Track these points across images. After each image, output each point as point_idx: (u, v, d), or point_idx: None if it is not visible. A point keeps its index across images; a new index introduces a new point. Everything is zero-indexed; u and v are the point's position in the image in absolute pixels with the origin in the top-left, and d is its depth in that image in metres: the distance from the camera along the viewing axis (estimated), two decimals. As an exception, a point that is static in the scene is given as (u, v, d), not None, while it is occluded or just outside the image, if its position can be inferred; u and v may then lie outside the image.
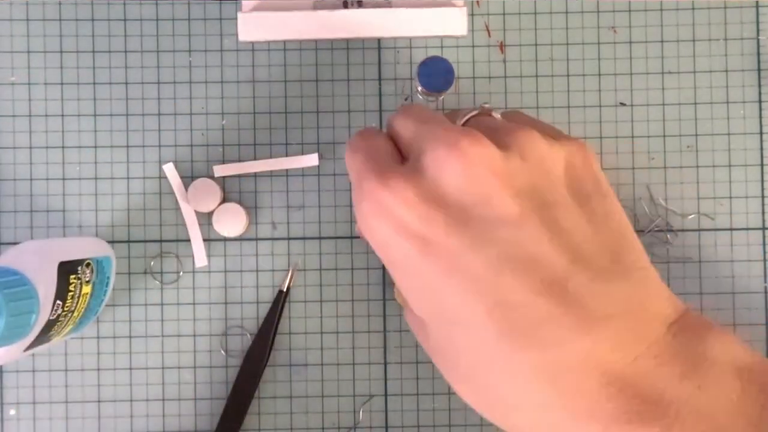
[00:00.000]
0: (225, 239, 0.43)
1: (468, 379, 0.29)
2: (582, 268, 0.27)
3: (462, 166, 0.28)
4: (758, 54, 0.43)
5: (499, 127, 0.31)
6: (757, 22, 0.43)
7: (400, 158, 0.31)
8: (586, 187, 0.30)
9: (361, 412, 0.42)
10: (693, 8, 0.43)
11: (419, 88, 0.40)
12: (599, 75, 0.43)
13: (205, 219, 0.43)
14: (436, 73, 0.39)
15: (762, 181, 0.43)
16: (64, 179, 0.43)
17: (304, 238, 0.43)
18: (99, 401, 0.42)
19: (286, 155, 0.43)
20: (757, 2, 0.43)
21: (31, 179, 0.43)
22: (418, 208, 0.28)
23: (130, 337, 0.43)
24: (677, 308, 0.29)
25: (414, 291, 0.30)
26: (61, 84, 0.43)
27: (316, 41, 0.43)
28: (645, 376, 0.26)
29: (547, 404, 0.27)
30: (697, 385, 0.26)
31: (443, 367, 0.31)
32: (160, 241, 0.43)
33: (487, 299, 0.27)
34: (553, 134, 0.32)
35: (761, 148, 0.43)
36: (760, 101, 0.43)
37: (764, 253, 0.43)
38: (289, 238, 0.43)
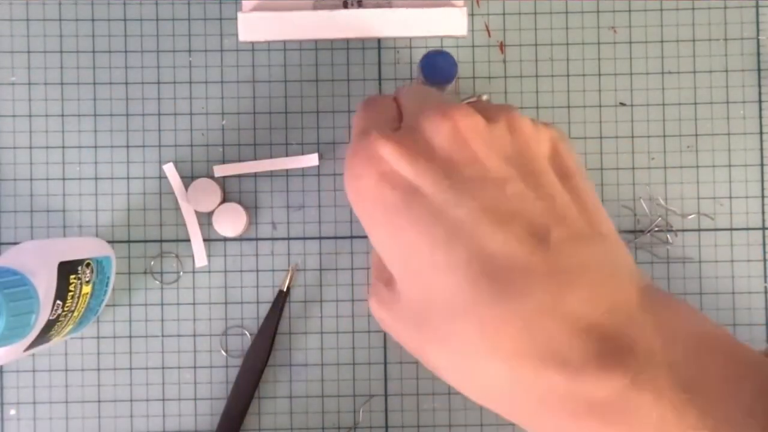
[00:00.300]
0: (225, 239, 0.43)
1: (439, 337, 0.28)
2: (562, 227, 0.28)
3: (454, 131, 0.30)
4: (758, 54, 0.43)
5: (490, 107, 0.32)
6: (757, 22, 0.43)
7: (399, 124, 0.33)
8: (568, 166, 0.31)
9: (361, 412, 0.42)
10: (693, 8, 0.43)
11: (421, 80, 0.40)
12: (599, 75, 0.43)
13: (205, 219, 0.43)
14: (439, 65, 0.39)
15: (762, 181, 0.43)
16: (64, 179, 0.43)
17: (304, 238, 0.43)
18: (99, 401, 0.42)
19: (286, 155, 0.43)
20: (757, 2, 0.43)
21: (31, 179, 0.43)
22: (409, 158, 0.29)
23: (130, 337, 0.43)
24: (644, 277, 0.30)
25: (390, 243, 0.30)
26: (61, 84, 0.43)
27: (316, 41, 0.43)
28: (617, 326, 0.26)
29: (518, 352, 0.27)
30: (668, 339, 0.26)
31: (412, 329, 0.30)
32: (160, 241, 0.43)
33: (469, 247, 0.27)
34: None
35: (761, 148, 0.43)
36: (760, 101, 0.43)
37: (764, 253, 0.43)
38: (289, 238, 0.43)
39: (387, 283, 0.31)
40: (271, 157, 0.43)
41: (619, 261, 0.29)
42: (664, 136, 0.43)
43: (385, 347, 0.43)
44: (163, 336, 0.43)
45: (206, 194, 0.42)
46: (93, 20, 0.43)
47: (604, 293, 0.27)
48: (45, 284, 0.34)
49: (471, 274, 0.27)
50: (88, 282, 0.38)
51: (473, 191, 0.28)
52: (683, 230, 0.43)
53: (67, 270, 0.36)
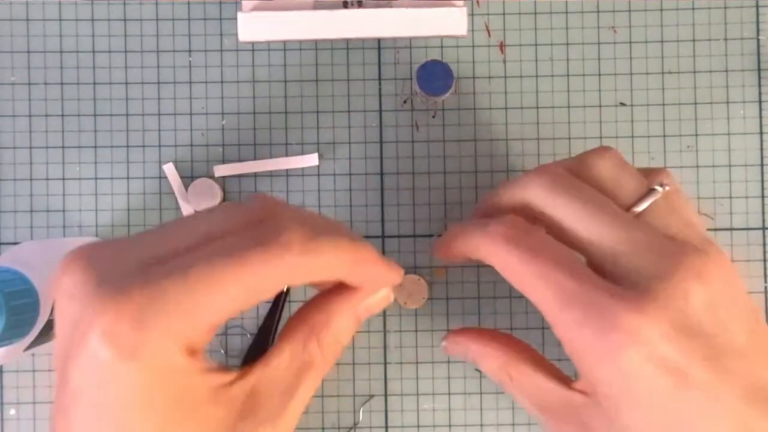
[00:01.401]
0: (225, 239, 0.43)
1: None
2: None
3: (707, 294, 0.28)
4: (758, 54, 0.43)
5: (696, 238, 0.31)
6: (757, 22, 0.43)
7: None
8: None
9: (361, 412, 0.42)
10: (693, 8, 0.43)
11: (418, 91, 0.40)
12: (599, 75, 0.43)
13: (205, 219, 0.43)
14: (435, 76, 0.39)
15: (762, 181, 0.43)
16: (64, 179, 0.43)
17: (304, 238, 0.43)
18: (99, 401, 0.42)
19: (286, 155, 0.43)
20: (757, 2, 0.43)
21: (31, 179, 0.43)
22: (676, 339, 0.28)
23: (130, 337, 0.43)
24: None
25: (652, 423, 0.29)
26: (61, 84, 0.43)
27: (316, 41, 0.43)
28: None
29: None
30: None
31: None
32: (160, 241, 0.43)
33: (738, 428, 0.28)
34: None
35: (761, 148, 0.43)
36: (760, 101, 0.43)
37: (764, 253, 0.43)
38: (289, 238, 0.43)
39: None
40: (271, 157, 0.43)
41: None
42: (664, 136, 0.43)
43: (385, 347, 0.43)
44: (163, 336, 0.43)
45: (206, 194, 0.42)
46: (93, 20, 0.43)
47: None
48: (45, 284, 0.34)
49: None
50: (88, 282, 0.38)
51: (731, 367, 0.28)
52: (683, 230, 0.43)
53: (67, 270, 0.36)
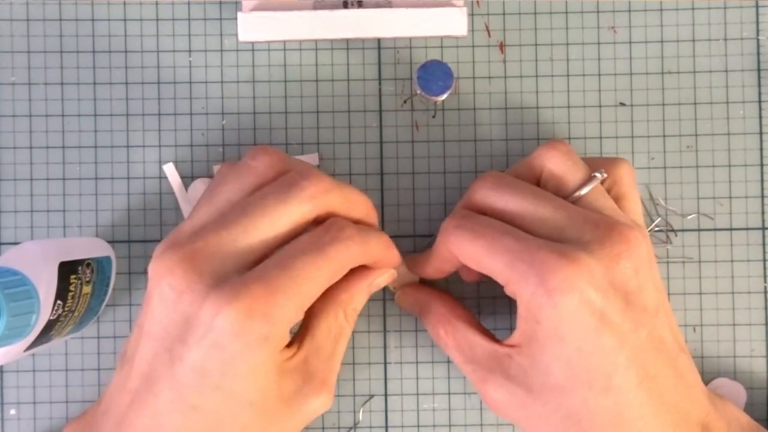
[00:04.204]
0: (225, 239, 0.43)
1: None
2: (680, 350, 0.36)
3: (632, 259, 0.34)
4: (758, 54, 0.43)
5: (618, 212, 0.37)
6: (757, 22, 0.43)
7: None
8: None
9: (361, 412, 0.42)
10: (693, 8, 0.43)
11: (418, 92, 0.40)
12: (599, 75, 0.43)
13: (205, 219, 0.43)
14: (435, 76, 0.39)
15: (762, 181, 0.43)
16: (64, 179, 0.43)
17: (304, 238, 0.43)
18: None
19: (286, 155, 0.43)
20: (757, 2, 0.43)
21: (31, 179, 0.43)
22: (602, 287, 0.33)
23: (130, 337, 0.43)
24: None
25: (570, 363, 0.33)
26: (61, 84, 0.43)
27: (316, 41, 0.43)
28: (710, 420, 0.36)
29: None
30: (729, 424, 0.37)
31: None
32: (160, 241, 0.43)
33: (639, 371, 0.33)
34: None
35: (761, 148, 0.43)
36: (760, 101, 0.43)
37: (764, 253, 0.43)
38: (289, 238, 0.43)
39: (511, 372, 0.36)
40: (271, 157, 0.43)
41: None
42: (664, 136, 0.43)
43: (385, 347, 0.43)
44: (163, 336, 0.43)
45: (206, 194, 0.42)
46: (93, 20, 0.43)
47: (704, 399, 0.36)
48: (45, 284, 0.34)
49: (640, 395, 0.34)
50: (88, 282, 0.38)
51: (643, 320, 0.34)
52: (683, 230, 0.43)
53: (67, 270, 0.36)
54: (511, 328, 0.42)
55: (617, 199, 0.37)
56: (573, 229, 0.34)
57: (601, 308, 0.33)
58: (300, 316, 0.34)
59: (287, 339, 0.35)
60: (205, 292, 0.32)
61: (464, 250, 0.35)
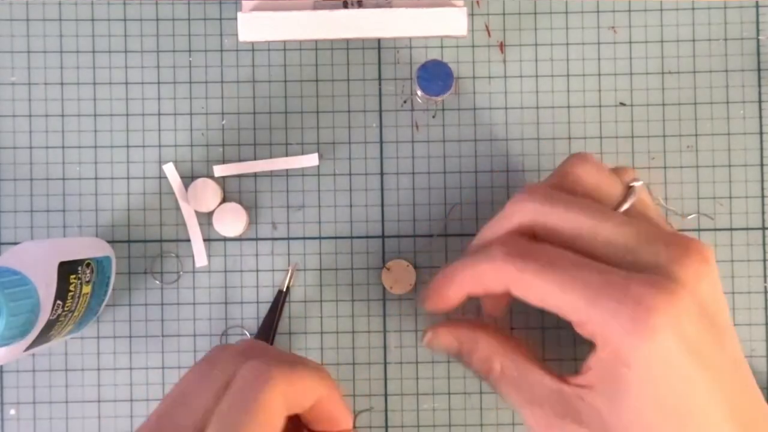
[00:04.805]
0: (225, 239, 0.43)
1: None
2: (746, 363, 0.32)
3: (713, 279, 0.30)
4: (758, 54, 0.43)
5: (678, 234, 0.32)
6: (757, 22, 0.43)
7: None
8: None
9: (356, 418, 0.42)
10: (693, 8, 0.43)
11: (419, 93, 0.40)
12: (599, 75, 0.43)
13: (205, 219, 0.43)
14: (435, 76, 0.39)
15: (762, 181, 0.43)
16: (64, 179, 0.43)
17: (304, 238, 0.43)
18: (99, 401, 0.42)
19: (286, 155, 0.43)
20: (757, 2, 0.43)
21: (31, 179, 0.43)
22: (695, 318, 0.29)
23: (130, 337, 0.43)
24: None
25: (661, 401, 0.30)
26: (61, 84, 0.43)
27: (316, 41, 0.43)
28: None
29: None
30: None
31: None
32: (160, 241, 0.43)
33: (727, 400, 0.30)
34: None
35: (761, 148, 0.43)
36: (760, 101, 0.43)
37: (764, 253, 0.43)
38: (289, 238, 0.43)
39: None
40: (271, 157, 0.43)
41: None
42: (664, 136, 0.43)
43: (384, 347, 0.43)
44: (163, 336, 0.43)
45: (206, 194, 0.42)
46: (93, 20, 0.43)
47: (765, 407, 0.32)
48: (45, 284, 0.34)
49: (728, 427, 0.30)
50: (88, 282, 0.38)
51: (728, 345, 0.31)
52: (683, 230, 0.43)
53: (67, 270, 0.36)
54: (513, 327, 0.42)
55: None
56: (645, 250, 0.30)
57: (696, 343, 0.29)
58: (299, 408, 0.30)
59: None
60: (272, 367, 0.29)
61: (528, 285, 0.31)
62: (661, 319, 0.28)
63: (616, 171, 0.36)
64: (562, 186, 0.33)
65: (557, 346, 0.42)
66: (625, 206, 0.33)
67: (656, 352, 0.29)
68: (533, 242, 0.32)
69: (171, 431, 0.28)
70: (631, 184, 0.33)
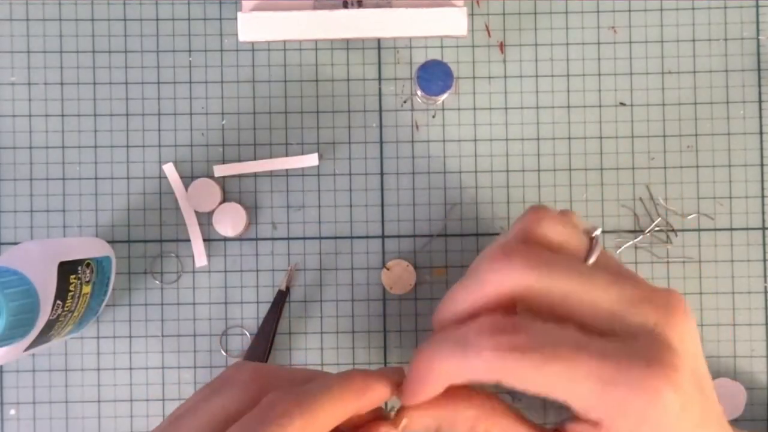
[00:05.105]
0: (225, 239, 0.43)
1: None
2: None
3: (695, 333, 0.30)
4: (758, 54, 0.43)
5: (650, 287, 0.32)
6: (757, 22, 0.43)
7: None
8: None
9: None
10: (693, 8, 0.43)
11: (419, 92, 0.40)
12: (599, 75, 0.43)
13: (205, 219, 0.43)
14: (435, 77, 0.39)
15: (762, 181, 0.43)
16: (64, 179, 0.43)
17: (304, 238, 0.43)
18: (99, 401, 0.42)
19: (286, 155, 0.43)
20: (757, 2, 0.43)
21: (31, 179, 0.43)
22: (693, 383, 0.29)
23: (130, 337, 0.43)
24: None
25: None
26: (61, 84, 0.43)
27: (316, 41, 0.43)
28: None
29: None
30: None
31: None
32: (160, 241, 0.43)
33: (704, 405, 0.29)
34: None
35: (761, 148, 0.43)
36: (760, 101, 0.43)
37: (764, 253, 0.43)
38: (289, 238, 0.43)
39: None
40: (271, 157, 0.43)
41: None
42: (664, 136, 0.43)
43: (385, 347, 0.43)
44: (163, 336, 0.43)
45: (206, 194, 0.42)
46: (93, 20, 0.43)
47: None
48: (45, 284, 0.34)
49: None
50: (88, 282, 0.38)
51: (709, 392, 0.30)
52: (683, 230, 0.43)
53: (67, 270, 0.36)
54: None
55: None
56: (633, 314, 0.29)
57: (692, 405, 0.29)
58: None
59: None
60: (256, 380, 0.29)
61: (526, 377, 0.28)
62: (670, 396, 0.27)
63: (565, 216, 0.32)
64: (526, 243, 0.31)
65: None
66: (592, 259, 0.30)
67: (660, 428, 0.28)
68: (518, 322, 0.28)
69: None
70: (593, 234, 0.31)
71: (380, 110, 0.43)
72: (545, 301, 0.29)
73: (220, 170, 0.43)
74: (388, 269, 0.42)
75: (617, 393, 0.27)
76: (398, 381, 0.30)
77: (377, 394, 0.29)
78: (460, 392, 0.31)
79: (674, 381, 0.28)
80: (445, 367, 0.29)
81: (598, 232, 0.31)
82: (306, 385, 0.29)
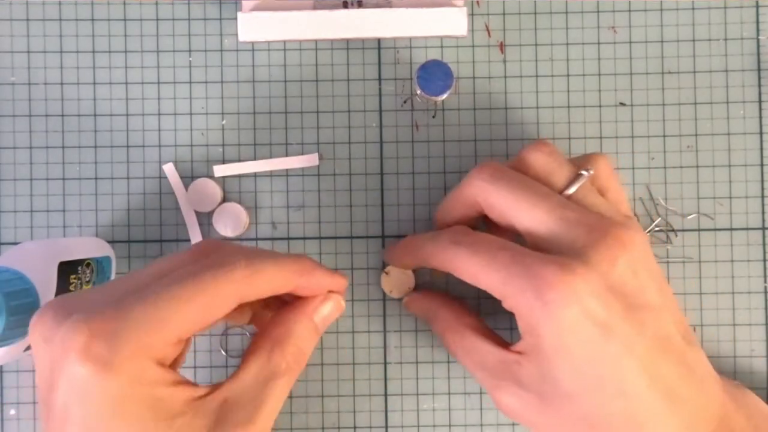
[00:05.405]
0: (225, 239, 0.43)
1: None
2: (688, 344, 0.35)
3: (629, 260, 0.33)
4: (758, 54, 0.43)
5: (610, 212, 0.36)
6: (757, 22, 0.43)
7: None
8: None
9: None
10: (693, 8, 0.43)
11: (419, 92, 0.40)
12: (599, 75, 0.43)
13: (205, 219, 0.43)
14: (435, 76, 0.39)
15: (762, 181, 0.43)
16: (64, 179, 0.43)
17: (304, 238, 0.43)
18: (99, 401, 0.42)
19: (286, 155, 0.43)
20: (757, 2, 0.43)
21: (31, 179, 0.43)
22: (601, 295, 0.33)
23: (130, 337, 0.43)
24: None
25: (579, 371, 0.33)
26: (61, 84, 0.43)
27: (316, 41, 0.43)
28: (724, 414, 0.36)
29: None
30: (748, 417, 0.38)
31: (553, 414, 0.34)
32: (160, 241, 0.43)
33: (648, 373, 0.33)
34: None
35: (761, 148, 0.43)
36: (760, 101, 0.43)
37: (764, 253, 0.43)
38: (289, 238, 0.43)
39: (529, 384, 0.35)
40: (271, 157, 0.43)
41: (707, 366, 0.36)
42: (664, 136, 0.43)
43: (385, 347, 0.43)
44: (163, 336, 0.43)
45: (206, 194, 0.42)
46: (93, 20, 0.43)
47: (719, 391, 0.36)
48: (45, 284, 0.34)
49: (651, 396, 0.33)
50: (88, 282, 0.38)
51: (645, 321, 0.33)
52: (683, 230, 0.43)
53: (67, 270, 0.36)
54: (512, 327, 0.42)
55: (601, 193, 0.37)
56: (567, 235, 0.34)
57: (602, 317, 0.32)
58: (172, 348, 0.30)
59: (168, 375, 0.30)
60: (64, 327, 0.29)
61: (461, 266, 0.35)
62: (560, 294, 0.32)
63: (583, 158, 0.38)
64: (516, 166, 0.37)
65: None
66: (570, 191, 0.35)
67: (561, 324, 0.32)
68: (472, 231, 0.37)
69: (137, 275, 0.32)
70: (581, 172, 0.36)
71: (380, 110, 0.43)
72: (497, 210, 0.35)
73: (220, 170, 0.43)
74: (387, 273, 0.42)
75: (516, 282, 0.33)
76: (340, 285, 0.36)
77: (317, 281, 0.35)
78: (444, 299, 0.40)
79: (569, 286, 0.32)
80: (422, 250, 0.37)
81: (586, 172, 0.36)
82: (258, 249, 0.34)
